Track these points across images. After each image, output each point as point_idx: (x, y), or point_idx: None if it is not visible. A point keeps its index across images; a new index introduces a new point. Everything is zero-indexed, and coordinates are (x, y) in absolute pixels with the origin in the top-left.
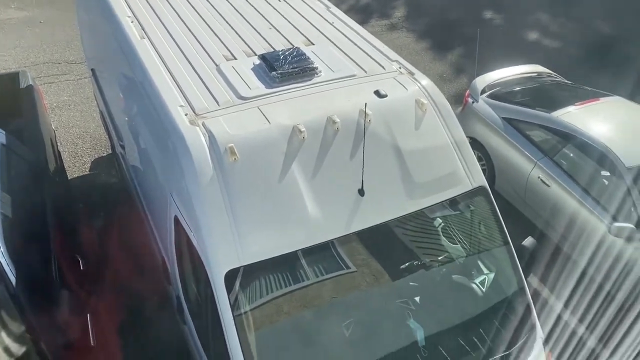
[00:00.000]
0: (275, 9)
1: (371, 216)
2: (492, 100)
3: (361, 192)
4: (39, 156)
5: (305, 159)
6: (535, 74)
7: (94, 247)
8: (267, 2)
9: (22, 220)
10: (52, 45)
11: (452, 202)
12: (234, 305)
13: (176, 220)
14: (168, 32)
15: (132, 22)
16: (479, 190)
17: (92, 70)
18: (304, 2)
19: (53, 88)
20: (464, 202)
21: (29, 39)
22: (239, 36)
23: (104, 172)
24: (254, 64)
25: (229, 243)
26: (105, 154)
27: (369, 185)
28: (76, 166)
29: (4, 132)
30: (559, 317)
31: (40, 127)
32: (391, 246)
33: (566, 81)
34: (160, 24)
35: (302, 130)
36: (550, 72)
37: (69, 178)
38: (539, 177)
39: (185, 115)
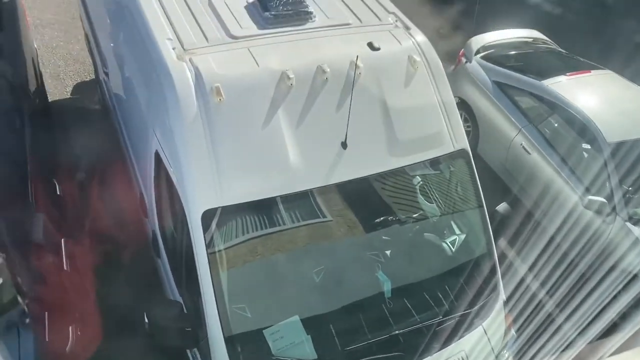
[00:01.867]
0: None
1: (352, 169)
2: (485, 62)
3: (344, 144)
4: (19, 74)
5: (291, 106)
6: (532, 39)
7: (71, 173)
8: None
9: None
10: None
11: (433, 162)
12: (209, 244)
13: (157, 155)
14: None
15: None
16: (461, 153)
17: None
18: None
19: (37, 4)
20: (444, 163)
21: None
22: None
23: (86, 98)
24: (247, 1)
25: (208, 183)
26: (88, 79)
27: (353, 139)
28: (57, 89)
29: None
30: (521, 281)
31: (21, 44)
32: (368, 200)
33: (561, 50)
34: None
35: (291, 76)
36: (546, 39)
37: (50, 101)
38: (521, 144)
39: (173, 49)
